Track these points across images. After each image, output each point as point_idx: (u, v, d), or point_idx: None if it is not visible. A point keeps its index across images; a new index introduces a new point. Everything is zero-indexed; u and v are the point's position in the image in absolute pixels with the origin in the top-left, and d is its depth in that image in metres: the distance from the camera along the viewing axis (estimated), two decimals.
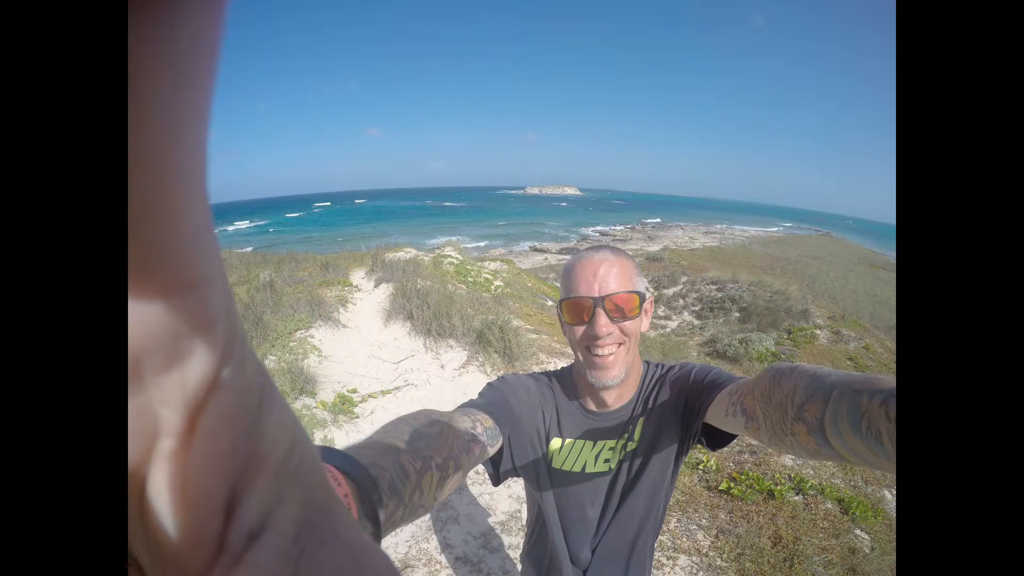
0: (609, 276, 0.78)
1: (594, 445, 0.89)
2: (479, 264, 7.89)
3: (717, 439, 0.79)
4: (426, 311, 4.61)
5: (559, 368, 0.96)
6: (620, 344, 0.80)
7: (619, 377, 0.81)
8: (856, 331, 7.78)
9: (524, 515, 2.35)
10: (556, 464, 0.90)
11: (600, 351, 0.79)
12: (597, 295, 0.78)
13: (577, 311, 0.80)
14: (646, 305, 0.82)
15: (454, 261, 7.18)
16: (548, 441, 0.89)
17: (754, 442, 3.01)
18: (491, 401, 0.81)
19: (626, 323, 0.79)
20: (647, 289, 0.84)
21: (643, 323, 0.83)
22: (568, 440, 0.89)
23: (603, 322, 0.78)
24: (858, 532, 2.57)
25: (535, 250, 24.14)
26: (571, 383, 0.91)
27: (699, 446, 0.85)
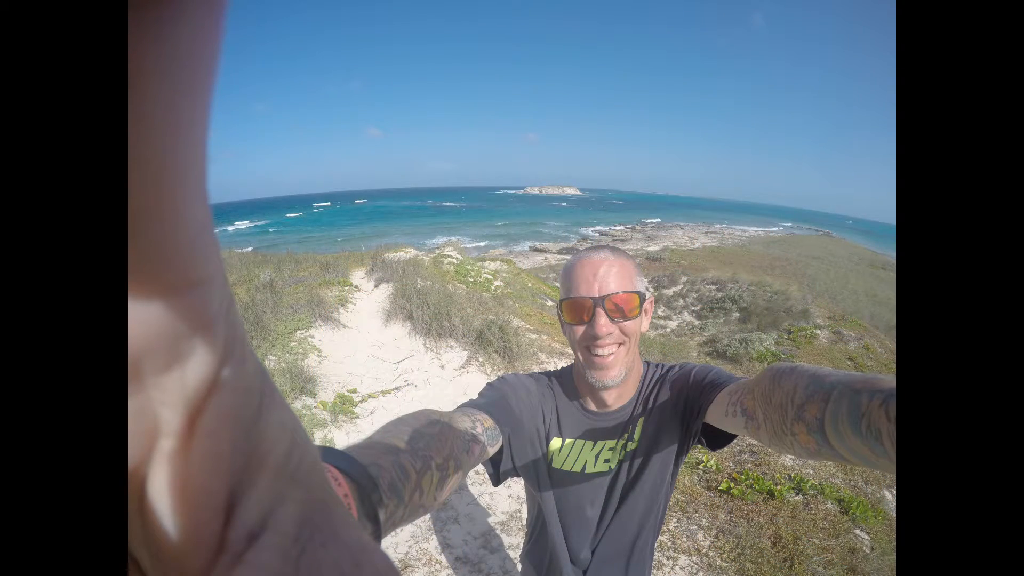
0: (609, 276, 0.78)
1: (594, 445, 0.89)
2: (479, 264, 7.89)
3: (717, 439, 0.79)
4: (426, 311, 4.61)
5: (559, 368, 0.96)
6: (620, 344, 0.80)
7: (619, 377, 0.81)
8: (856, 331, 7.78)
9: (524, 515, 2.35)
10: (556, 464, 0.90)
11: (600, 351, 0.79)
12: (597, 295, 0.78)
13: (577, 311, 0.80)
14: (646, 305, 0.82)
15: (454, 261, 7.18)
16: (548, 441, 0.89)
17: (754, 442, 3.01)
18: (491, 401, 0.81)
19: (626, 323, 0.79)
20: (647, 289, 0.84)
21: (643, 323, 0.83)
22: (568, 440, 0.89)
23: (603, 322, 0.78)
24: (858, 532, 2.57)
25: (535, 250, 24.13)
26: (571, 383, 0.91)
27: (699, 446, 0.85)
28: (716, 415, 0.72)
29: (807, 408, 0.50)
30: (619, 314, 0.78)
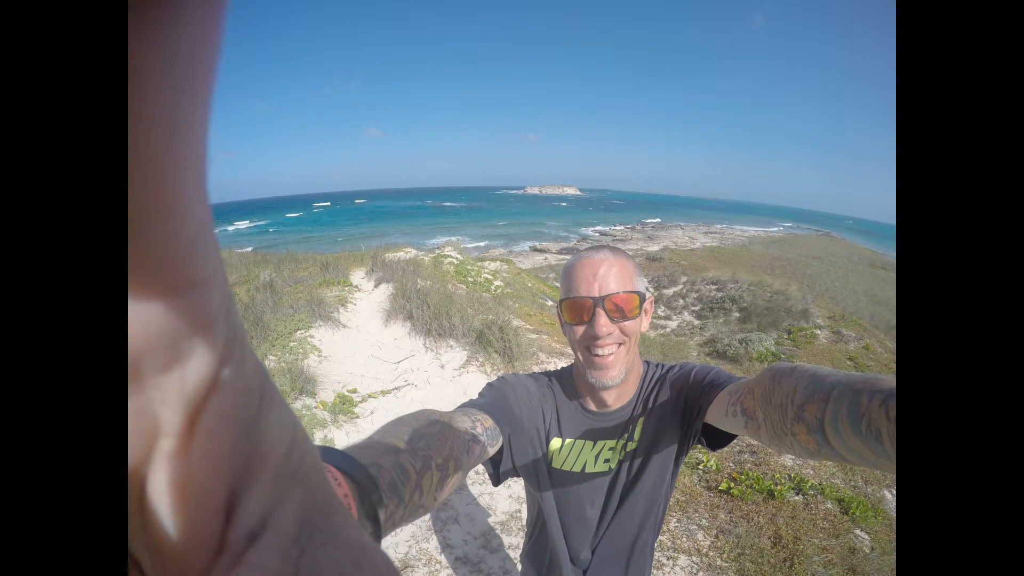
0: (609, 276, 0.78)
1: (594, 445, 0.89)
2: (479, 264, 7.89)
3: (717, 439, 0.79)
4: (426, 311, 4.61)
5: (559, 368, 0.96)
6: (620, 344, 0.80)
7: (619, 377, 0.81)
8: (856, 331, 7.78)
9: (524, 515, 2.35)
10: (556, 464, 0.90)
11: (600, 351, 0.80)
12: (597, 295, 0.78)
13: (577, 311, 0.80)
14: (646, 305, 0.82)
15: (454, 261, 7.18)
16: (548, 441, 0.89)
17: (754, 442, 3.01)
18: (491, 401, 0.81)
19: (626, 323, 0.79)
20: (647, 289, 0.84)
21: (643, 323, 0.83)
22: (568, 440, 0.89)
23: (603, 322, 0.78)
24: (858, 532, 2.57)
25: (535, 250, 24.12)
26: (571, 383, 0.91)
27: (699, 446, 0.85)
28: (716, 415, 0.72)
29: (807, 408, 0.50)
30: (619, 314, 0.78)
